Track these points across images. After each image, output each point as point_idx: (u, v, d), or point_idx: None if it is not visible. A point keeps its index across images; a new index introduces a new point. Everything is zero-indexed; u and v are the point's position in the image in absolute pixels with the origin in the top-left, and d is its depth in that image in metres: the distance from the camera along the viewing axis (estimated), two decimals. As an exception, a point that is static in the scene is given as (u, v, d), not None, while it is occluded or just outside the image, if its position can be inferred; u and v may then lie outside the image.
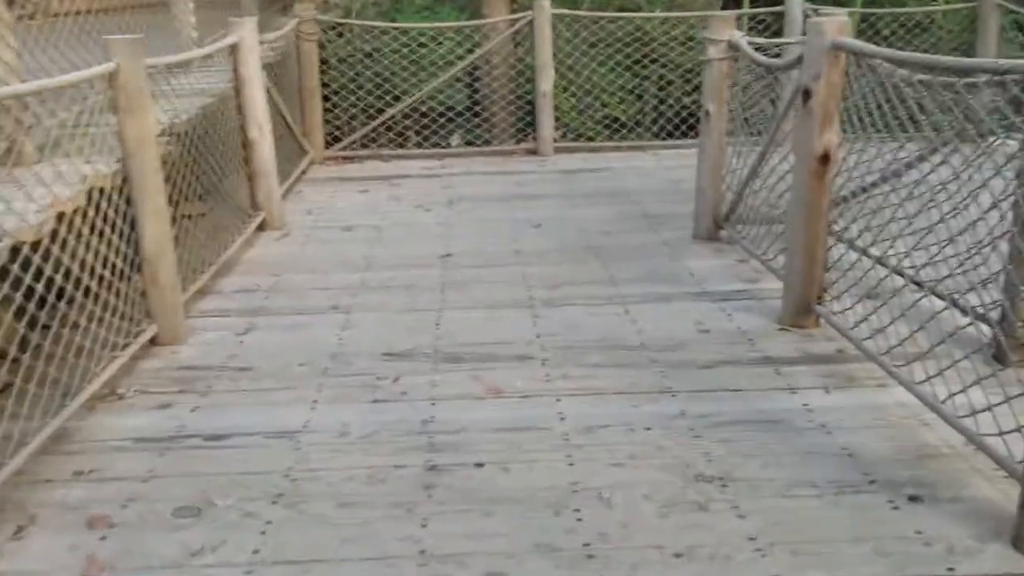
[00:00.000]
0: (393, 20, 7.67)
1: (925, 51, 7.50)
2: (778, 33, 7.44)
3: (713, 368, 3.38)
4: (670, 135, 7.64)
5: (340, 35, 7.44)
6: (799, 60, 3.84)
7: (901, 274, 3.47)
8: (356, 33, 7.42)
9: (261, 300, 4.26)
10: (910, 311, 3.15)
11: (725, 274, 4.52)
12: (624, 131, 7.62)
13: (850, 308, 3.45)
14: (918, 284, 3.36)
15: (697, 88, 7.54)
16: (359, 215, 5.79)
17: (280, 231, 5.42)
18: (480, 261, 4.82)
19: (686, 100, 7.60)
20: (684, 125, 7.63)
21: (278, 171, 5.68)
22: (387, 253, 4.99)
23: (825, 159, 3.53)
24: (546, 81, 7.24)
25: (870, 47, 3.34)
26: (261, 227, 5.38)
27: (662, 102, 7.60)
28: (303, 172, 6.85)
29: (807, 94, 3.51)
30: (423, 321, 3.93)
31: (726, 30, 4.84)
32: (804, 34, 4.24)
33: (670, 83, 7.58)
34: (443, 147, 7.55)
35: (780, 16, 7.52)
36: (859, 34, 7.66)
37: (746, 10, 7.59)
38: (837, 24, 3.41)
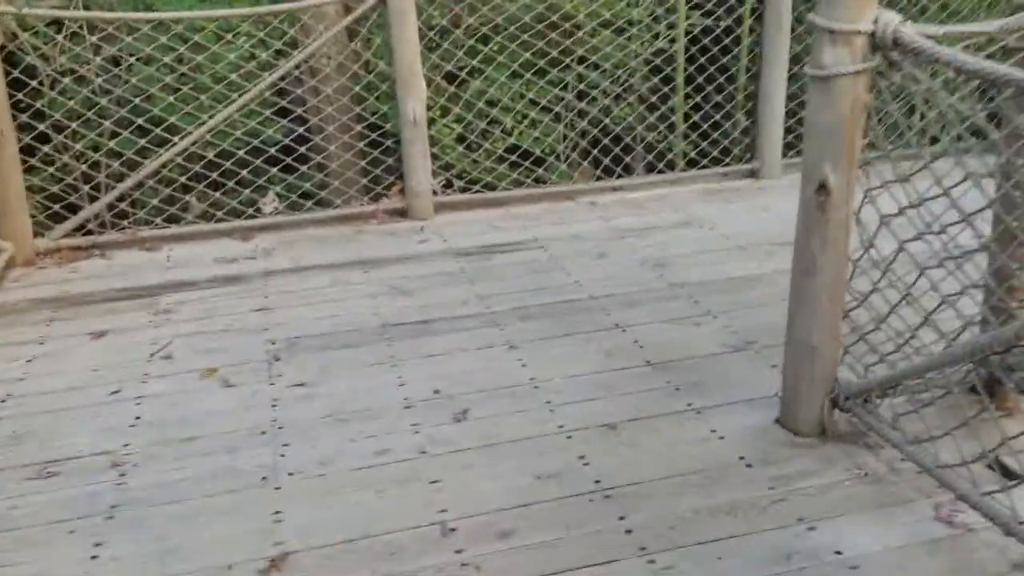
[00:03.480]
0: (149, 8, 4.59)
1: None
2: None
3: None
4: (607, 171, 5.00)
5: (53, 38, 4.29)
6: None
7: None
8: (82, 34, 4.30)
9: None
10: None
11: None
12: (538, 169, 4.90)
13: None
14: None
15: (643, 100, 4.96)
16: (82, 415, 2.79)
17: None
18: (363, 583, 2.01)
19: (625, 115, 4.98)
20: (627, 153, 5.02)
21: None
22: None
23: None
24: (415, 99, 4.40)
25: None
26: None
27: (590, 121, 4.93)
28: (-15, 296, 3.72)
29: None
30: None
31: (866, 9, 2.21)
32: None
33: (603, 92, 4.91)
34: (251, 216, 4.56)
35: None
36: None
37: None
38: None
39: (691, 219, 4.49)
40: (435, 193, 4.66)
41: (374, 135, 4.66)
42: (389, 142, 4.67)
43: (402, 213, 4.61)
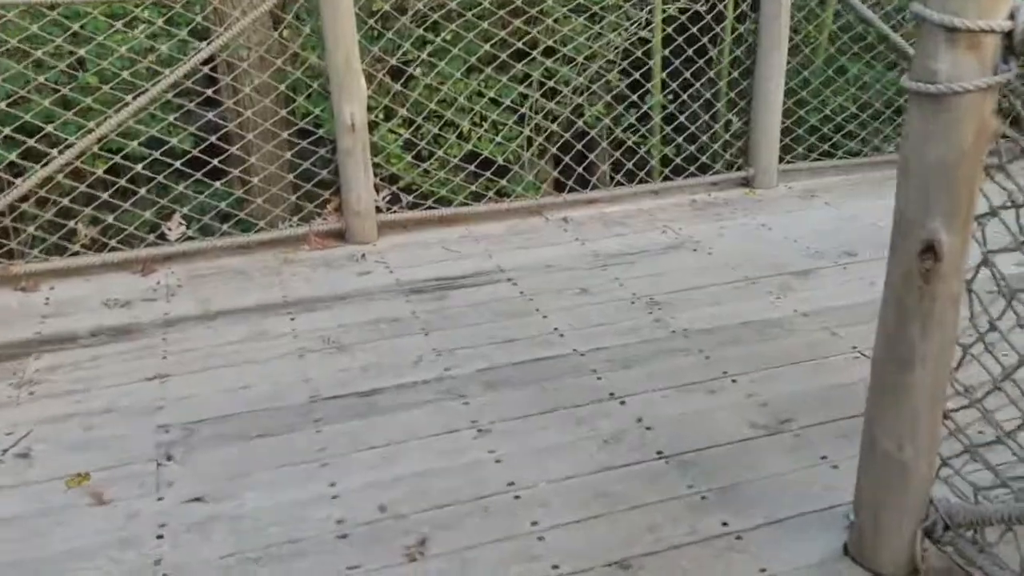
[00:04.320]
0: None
1: None
2: None
3: None
4: (580, 180, 4.28)
5: None
6: None
7: None
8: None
9: None
10: None
11: None
12: (501, 180, 4.16)
13: None
14: None
15: (621, 98, 4.26)
16: None
17: None
18: None
19: (599, 116, 4.26)
20: (601, 159, 4.32)
21: None
22: None
23: None
24: (353, 100, 3.64)
25: None
26: None
27: (560, 123, 4.21)
28: None
29: None
30: None
31: (1001, 1, 1.52)
32: None
33: (574, 90, 4.18)
34: (153, 243, 3.74)
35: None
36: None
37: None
38: None
39: (682, 240, 3.82)
40: (379, 211, 3.90)
41: (304, 143, 3.87)
42: (323, 151, 3.89)
43: (339, 235, 3.85)
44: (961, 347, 1.75)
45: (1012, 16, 1.52)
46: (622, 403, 2.57)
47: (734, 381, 2.67)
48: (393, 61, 3.89)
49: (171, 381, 2.75)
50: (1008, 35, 1.52)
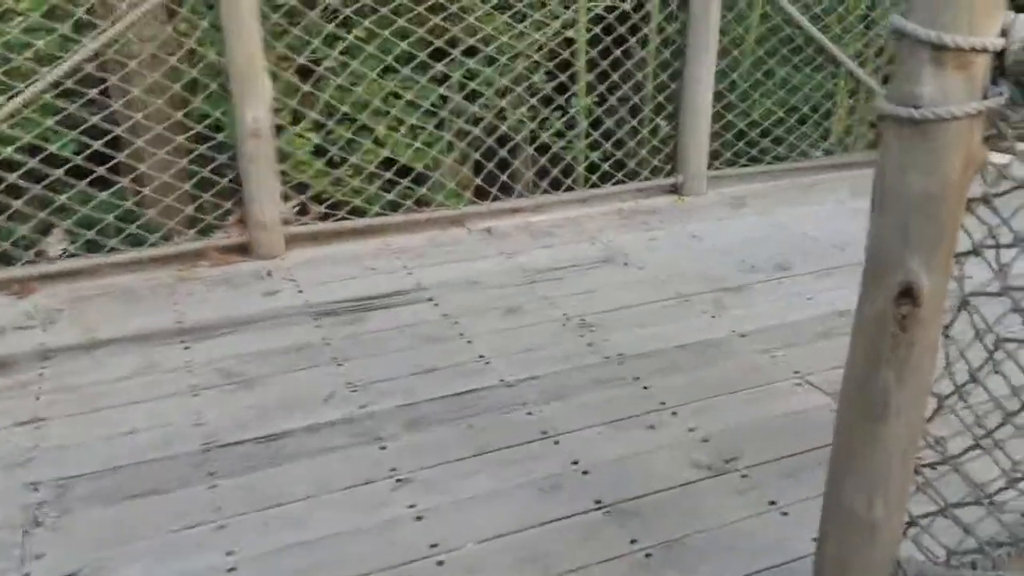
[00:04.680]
0: None
1: None
2: None
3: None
4: (503, 187, 4.05)
5: None
6: None
7: None
8: None
9: None
10: None
11: None
12: (420, 188, 3.89)
13: None
14: None
15: (547, 102, 4.05)
16: None
17: None
18: None
19: (523, 120, 4.03)
20: (526, 166, 4.10)
21: None
22: None
23: None
24: (257, 102, 3.33)
25: None
26: None
27: (483, 128, 3.96)
28: None
29: None
30: None
31: (991, 15, 1.34)
32: None
33: (498, 92, 3.94)
34: (31, 261, 3.36)
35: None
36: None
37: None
38: None
39: (611, 253, 3.62)
40: (286, 222, 3.60)
41: (203, 148, 3.53)
42: (223, 157, 3.55)
43: (242, 250, 3.54)
44: (936, 397, 1.58)
45: (1004, 33, 1.34)
46: (555, 442, 2.35)
47: (674, 414, 2.48)
48: (301, 59, 3.58)
49: (46, 426, 2.41)
50: (1000, 55, 1.35)
